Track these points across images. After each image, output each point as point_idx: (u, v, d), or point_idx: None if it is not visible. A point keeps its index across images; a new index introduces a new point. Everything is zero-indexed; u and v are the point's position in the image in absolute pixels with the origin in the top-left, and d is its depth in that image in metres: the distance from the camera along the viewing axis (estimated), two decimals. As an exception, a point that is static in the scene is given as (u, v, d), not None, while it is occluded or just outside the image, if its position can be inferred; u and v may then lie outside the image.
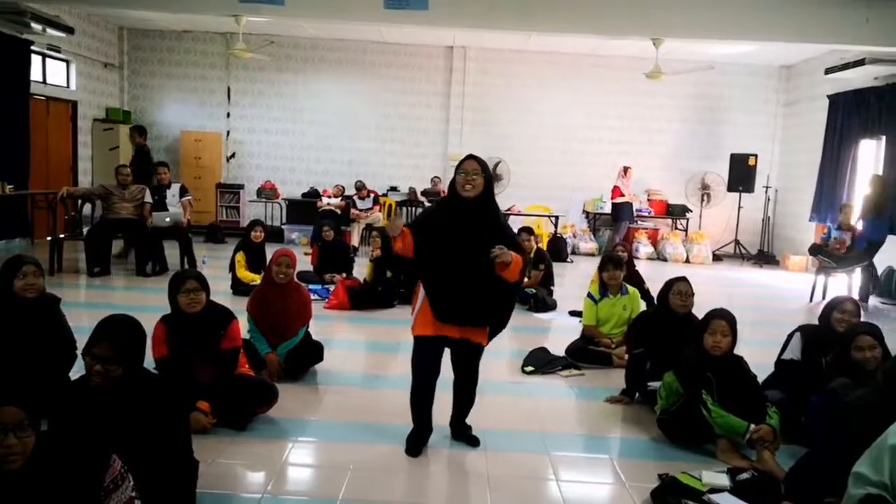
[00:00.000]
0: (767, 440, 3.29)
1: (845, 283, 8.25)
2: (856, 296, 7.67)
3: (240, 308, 4.54)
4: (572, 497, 3.01)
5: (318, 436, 3.59)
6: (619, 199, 11.68)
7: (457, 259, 3.12)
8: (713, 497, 2.89)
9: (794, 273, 11.27)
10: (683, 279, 4.24)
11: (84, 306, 6.41)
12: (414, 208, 12.43)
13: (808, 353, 3.94)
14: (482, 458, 3.34)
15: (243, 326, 4.40)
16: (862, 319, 3.94)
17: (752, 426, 3.32)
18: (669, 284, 4.25)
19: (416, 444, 3.35)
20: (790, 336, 4.05)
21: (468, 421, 3.57)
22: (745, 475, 3.09)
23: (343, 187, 11.97)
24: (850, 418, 2.87)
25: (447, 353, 3.36)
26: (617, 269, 5.17)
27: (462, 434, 3.54)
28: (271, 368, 4.28)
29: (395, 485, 3.06)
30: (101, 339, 2.48)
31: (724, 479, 3.06)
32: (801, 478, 2.82)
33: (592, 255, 12.17)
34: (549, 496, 3.03)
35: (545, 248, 9.30)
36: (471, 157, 3.21)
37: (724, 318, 3.51)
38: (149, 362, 2.99)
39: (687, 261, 12.08)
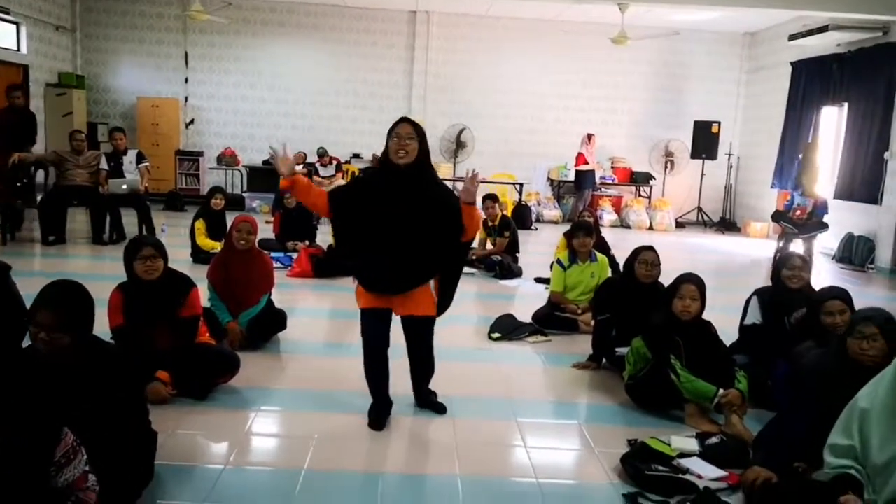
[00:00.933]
0: (735, 405, 3.28)
1: (804, 249, 8.36)
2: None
3: (200, 276, 4.39)
4: (541, 463, 2.98)
5: (281, 405, 3.50)
6: (582, 167, 11.67)
7: (387, 229, 2.99)
8: (683, 462, 2.89)
9: (755, 240, 11.44)
10: (650, 248, 4.21)
11: (38, 275, 6.17)
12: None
13: (768, 314, 3.97)
14: (449, 426, 3.29)
15: (204, 294, 4.28)
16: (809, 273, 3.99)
17: (721, 391, 3.31)
18: (636, 253, 4.22)
19: (378, 417, 3.24)
20: (747, 301, 4.05)
21: (433, 388, 3.51)
22: (713, 440, 3.09)
23: (305, 154, 11.74)
24: (805, 380, 2.90)
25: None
26: (587, 235, 5.14)
27: (427, 402, 3.48)
28: (233, 337, 4.17)
29: (361, 454, 2.99)
30: (44, 305, 2.34)
31: (693, 444, 3.06)
32: (768, 442, 2.83)
33: (556, 222, 12.18)
34: (518, 463, 2.99)
35: (510, 215, 9.25)
36: (405, 119, 3.05)
37: (693, 283, 3.49)
38: (106, 332, 2.90)
39: (650, 228, 12.18)
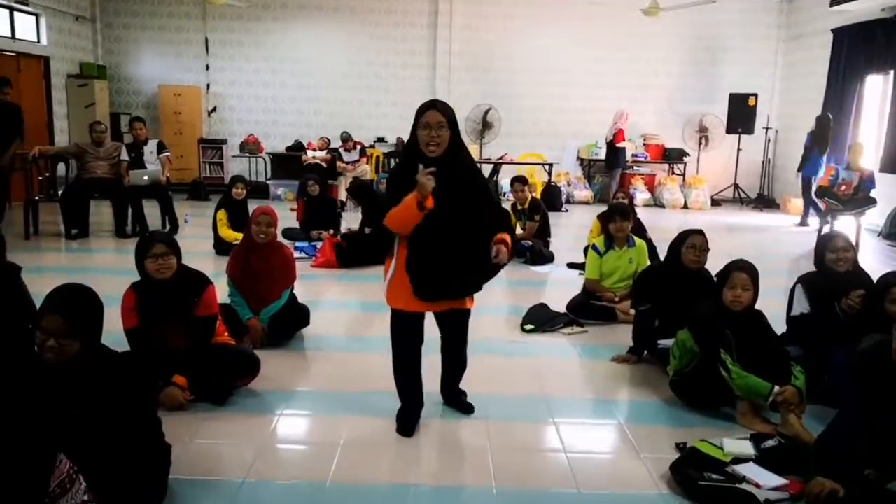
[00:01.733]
0: (793, 403, 3.01)
1: (853, 226, 7.97)
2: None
3: (223, 269, 4.24)
4: (583, 471, 2.75)
5: (305, 408, 3.31)
6: (621, 144, 11.29)
7: (431, 231, 2.73)
8: (738, 468, 2.64)
9: (795, 216, 10.98)
10: (699, 232, 3.92)
11: (62, 270, 6.08)
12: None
13: (816, 302, 3.68)
14: (482, 429, 3.08)
15: (223, 290, 4.12)
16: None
17: (777, 388, 3.04)
18: (683, 237, 3.93)
19: (408, 423, 3.02)
20: (792, 290, 3.76)
21: (462, 386, 3.30)
22: (770, 442, 2.84)
23: (328, 139, 11.55)
24: (864, 376, 2.63)
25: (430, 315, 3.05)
26: (625, 220, 4.86)
27: (455, 400, 3.27)
28: (254, 335, 3.99)
29: (389, 463, 2.80)
30: (51, 310, 2.19)
31: (747, 447, 2.81)
32: (831, 447, 2.57)
33: (587, 203, 11.85)
34: (557, 470, 2.76)
35: (539, 197, 8.97)
36: (432, 105, 2.74)
37: (744, 271, 3.22)
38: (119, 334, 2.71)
39: (685, 206, 11.79)
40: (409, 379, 3.06)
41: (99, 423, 2.16)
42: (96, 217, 8.10)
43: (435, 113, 2.72)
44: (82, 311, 2.26)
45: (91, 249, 7.16)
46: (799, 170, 10.10)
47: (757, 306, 3.31)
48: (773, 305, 3.79)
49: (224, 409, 3.19)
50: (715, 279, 3.95)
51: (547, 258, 6.79)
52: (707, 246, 3.90)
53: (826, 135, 9.63)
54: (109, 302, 3.24)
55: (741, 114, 11.73)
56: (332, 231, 7.25)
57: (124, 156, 7.83)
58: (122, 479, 2.16)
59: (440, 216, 2.72)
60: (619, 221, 4.86)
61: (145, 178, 7.78)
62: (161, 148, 8.23)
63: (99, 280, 5.41)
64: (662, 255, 4.61)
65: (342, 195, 10.68)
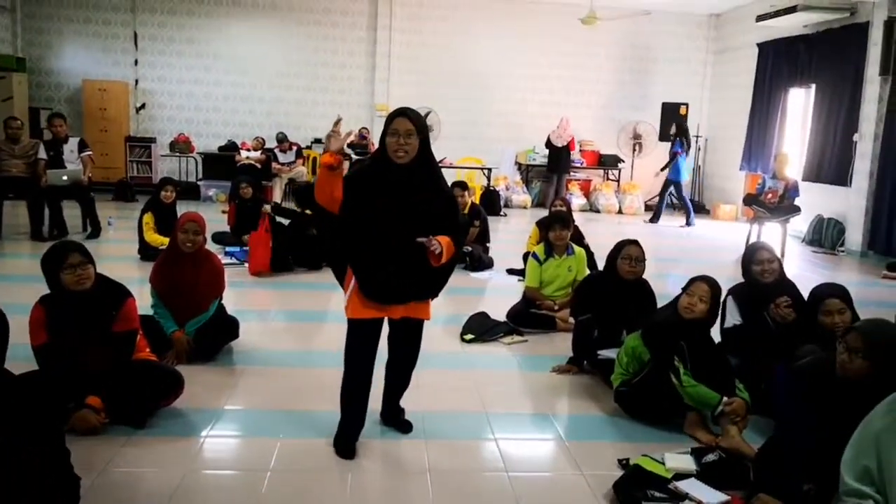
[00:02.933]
0: (740, 415, 3.02)
1: (779, 233, 8.22)
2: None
3: (146, 276, 4.00)
4: (525, 491, 2.66)
5: (233, 429, 3.12)
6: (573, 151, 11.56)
7: (388, 232, 2.66)
8: (680, 485, 2.60)
9: (725, 222, 11.32)
10: (634, 242, 3.92)
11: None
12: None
13: (746, 313, 3.74)
14: (421, 448, 2.96)
15: (147, 299, 3.88)
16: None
17: (725, 398, 3.04)
18: (619, 248, 3.93)
19: (348, 442, 2.88)
20: (723, 302, 3.79)
21: (401, 402, 3.17)
22: (711, 456, 2.82)
23: (263, 140, 11.25)
24: (801, 390, 2.65)
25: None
26: (564, 228, 4.84)
27: (393, 419, 3.14)
28: (179, 348, 3.76)
29: (323, 488, 2.64)
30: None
31: (689, 462, 2.78)
32: (772, 461, 2.56)
33: (525, 207, 11.91)
34: (500, 492, 2.67)
35: (478, 201, 8.93)
36: (402, 113, 2.66)
37: (707, 283, 3.23)
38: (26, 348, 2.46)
39: (619, 212, 11.98)
40: (359, 396, 2.90)
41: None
42: (10, 220, 7.60)
43: (404, 120, 2.64)
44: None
45: (5, 253, 6.72)
46: (662, 169, 11.03)
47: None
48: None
49: (144, 432, 2.95)
50: (652, 289, 3.99)
51: (486, 264, 6.74)
52: (643, 256, 3.90)
53: (689, 137, 11.07)
54: (23, 311, 3.01)
55: (673, 122, 11.99)
56: (266, 207, 7.01)
57: (42, 154, 7.39)
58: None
59: (404, 217, 2.65)
60: (558, 230, 4.83)
61: (64, 178, 7.35)
62: (83, 146, 7.79)
63: (11, 288, 5.08)
64: (600, 262, 4.61)
65: (277, 197, 10.41)
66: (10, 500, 1.94)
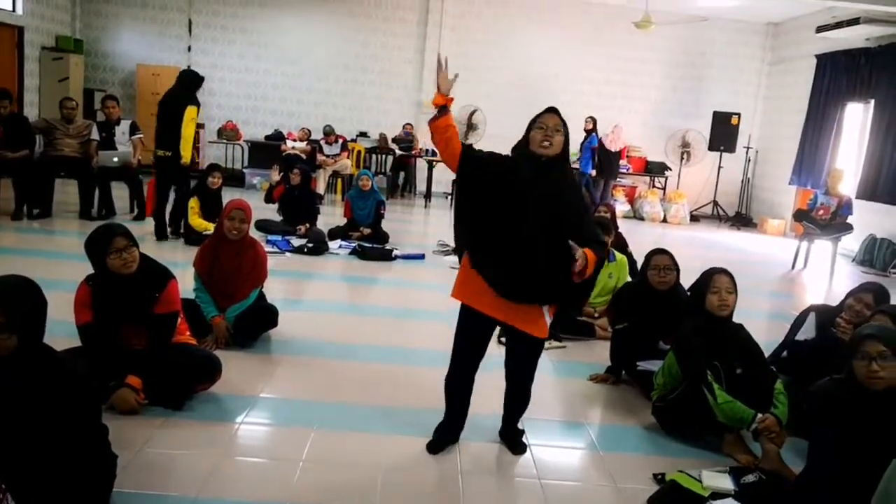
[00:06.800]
0: (773, 432, 2.90)
1: (829, 251, 7.98)
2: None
3: (190, 258, 4.04)
4: (557, 500, 2.62)
5: (268, 417, 3.13)
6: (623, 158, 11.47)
7: (521, 225, 2.60)
8: (717, 505, 2.54)
9: (772, 237, 11.03)
10: (663, 252, 3.83)
11: (18, 252, 5.82)
12: (384, 156, 11.85)
13: (822, 333, 3.58)
14: (454, 451, 2.92)
15: (189, 282, 3.93)
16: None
17: (759, 415, 2.93)
18: (648, 258, 3.86)
19: (440, 436, 2.91)
20: (803, 315, 3.68)
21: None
22: (750, 477, 2.74)
23: (309, 130, 11.34)
24: (819, 413, 2.52)
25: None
26: (606, 234, 4.76)
27: (509, 437, 3.06)
28: (218, 334, 3.81)
29: (354, 483, 2.62)
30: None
31: (727, 482, 2.70)
32: (805, 490, 2.46)
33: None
34: (532, 499, 2.63)
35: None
36: (552, 110, 2.76)
37: (725, 274, 3.15)
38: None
39: (664, 220, 11.79)
40: (455, 391, 2.91)
41: (31, 430, 1.98)
42: (61, 197, 7.79)
43: (554, 116, 2.74)
44: (24, 304, 2.05)
45: (53, 231, 6.88)
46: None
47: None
48: (751, 327, 3.73)
49: (180, 414, 3.00)
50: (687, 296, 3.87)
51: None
52: (672, 265, 3.82)
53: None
54: (70, 288, 3.07)
55: (723, 132, 11.77)
56: (308, 225, 7.07)
57: (95, 135, 7.55)
58: (57, 496, 1.98)
59: (540, 210, 2.62)
60: (601, 236, 4.75)
61: (115, 159, 7.51)
62: (134, 129, 7.94)
63: (60, 265, 5.19)
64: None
65: (321, 188, 10.48)
66: (47, 472, 1.97)
